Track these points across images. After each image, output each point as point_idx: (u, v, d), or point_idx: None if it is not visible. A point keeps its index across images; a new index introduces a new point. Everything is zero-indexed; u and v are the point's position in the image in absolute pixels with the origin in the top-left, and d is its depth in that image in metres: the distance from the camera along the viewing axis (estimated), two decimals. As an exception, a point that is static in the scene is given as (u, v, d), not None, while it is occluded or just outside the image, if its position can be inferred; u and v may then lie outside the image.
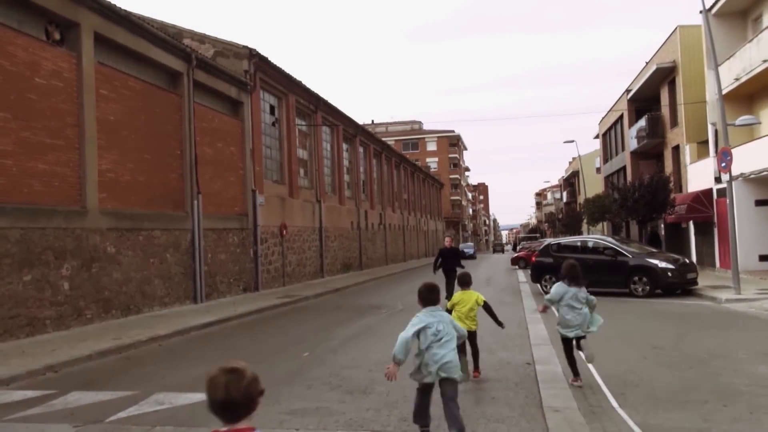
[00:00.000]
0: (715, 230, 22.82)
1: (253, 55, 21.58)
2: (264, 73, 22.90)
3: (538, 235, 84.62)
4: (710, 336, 9.98)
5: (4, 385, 7.75)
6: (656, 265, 16.11)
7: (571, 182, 71.57)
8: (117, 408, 6.41)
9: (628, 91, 35.14)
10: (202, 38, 21.82)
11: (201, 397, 6.79)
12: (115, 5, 14.26)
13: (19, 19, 12.06)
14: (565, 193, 77.01)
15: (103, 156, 13.94)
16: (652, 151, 32.60)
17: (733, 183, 16.56)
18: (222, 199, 19.51)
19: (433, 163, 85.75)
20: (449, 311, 6.81)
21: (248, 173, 21.25)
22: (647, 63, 32.27)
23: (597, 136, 48.72)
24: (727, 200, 16.46)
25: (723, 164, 15.63)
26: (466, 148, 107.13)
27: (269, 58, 22.76)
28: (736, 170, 17.41)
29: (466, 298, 7.01)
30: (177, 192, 17.11)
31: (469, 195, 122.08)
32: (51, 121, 12.44)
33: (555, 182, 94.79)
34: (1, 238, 10.90)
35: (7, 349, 10.01)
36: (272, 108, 24.67)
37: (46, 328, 11.75)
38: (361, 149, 37.81)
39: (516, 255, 39.38)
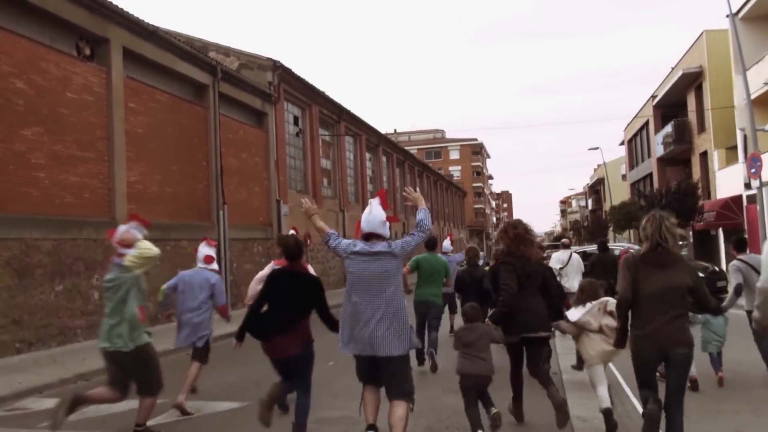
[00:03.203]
0: (745, 237, 22.34)
1: (277, 66, 21.86)
2: (288, 84, 23.16)
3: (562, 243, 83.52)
4: (740, 346, 9.75)
5: (36, 393, 7.93)
6: (685, 273, 15.81)
7: (596, 189, 70.77)
8: (147, 416, 6.50)
9: (653, 97, 34.74)
10: (227, 51, 22.18)
11: (229, 405, 6.91)
12: (143, 21, 14.58)
13: (52, 36, 12.41)
14: (590, 201, 76.16)
15: (131, 168, 14.22)
16: (679, 157, 32.15)
17: (764, 189, 16.24)
18: (247, 210, 19.72)
19: (456, 171, 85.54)
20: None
21: (272, 183, 21.46)
22: (673, 68, 31.88)
23: (622, 143, 48.22)
24: (758, 207, 16.16)
25: (753, 170, 15.38)
26: (489, 156, 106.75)
27: (293, 70, 23.03)
28: (766, 176, 17.09)
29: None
30: (203, 203, 17.36)
31: (493, 203, 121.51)
32: (82, 135, 12.74)
33: (580, 189, 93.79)
34: (34, 249, 11.17)
35: (40, 357, 10.23)
36: (296, 119, 24.92)
37: (77, 337, 11.98)
38: (384, 158, 37.93)
39: None
